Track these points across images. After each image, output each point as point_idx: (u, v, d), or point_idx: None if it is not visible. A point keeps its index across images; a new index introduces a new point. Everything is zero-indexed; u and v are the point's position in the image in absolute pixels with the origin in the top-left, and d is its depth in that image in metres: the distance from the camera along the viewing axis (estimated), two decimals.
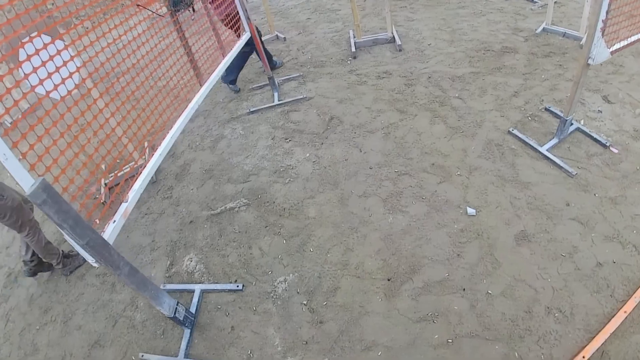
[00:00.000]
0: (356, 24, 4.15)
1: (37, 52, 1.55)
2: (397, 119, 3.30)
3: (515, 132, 2.99)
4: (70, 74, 1.71)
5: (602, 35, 2.26)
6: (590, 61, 2.36)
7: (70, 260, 2.76)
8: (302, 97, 3.70)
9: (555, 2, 4.02)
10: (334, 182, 2.90)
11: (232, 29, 3.48)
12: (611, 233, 2.25)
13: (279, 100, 3.73)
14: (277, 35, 4.88)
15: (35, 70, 1.52)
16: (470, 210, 2.52)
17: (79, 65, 1.93)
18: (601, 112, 3.16)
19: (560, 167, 2.70)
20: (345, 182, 2.89)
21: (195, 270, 2.58)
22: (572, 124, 2.92)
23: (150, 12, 2.34)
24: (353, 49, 4.16)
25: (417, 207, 2.59)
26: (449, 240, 2.37)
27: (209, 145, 3.56)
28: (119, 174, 3.13)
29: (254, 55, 4.01)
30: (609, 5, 2.14)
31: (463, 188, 2.66)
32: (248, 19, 3.39)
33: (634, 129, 2.96)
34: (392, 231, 2.49)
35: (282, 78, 4.07)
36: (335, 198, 2.78)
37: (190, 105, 2.58)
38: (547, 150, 2.83)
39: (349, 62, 4.21)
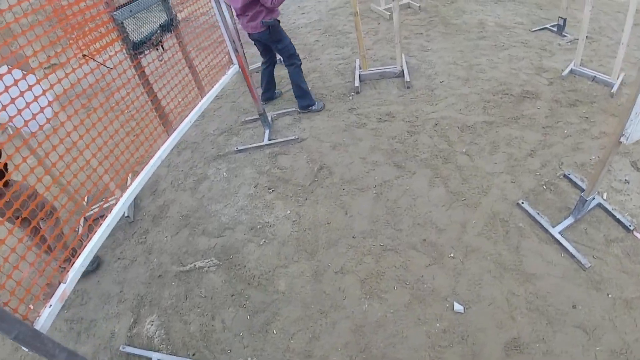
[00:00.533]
0: (362, 54, 3.79)
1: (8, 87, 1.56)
2: (393, 176, 2.96)
3: (526, 205, 2.62)
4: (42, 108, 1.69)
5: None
6: (623, 139, 1.97)
7: None
8: (293, 138, 3.40)
9: (586, 37, 3.53)
10: (312, 251, 2.62)
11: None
12: (619, 347, 1.89)
13: (269, 140, 3.45)
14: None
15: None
16: (458, 307, 2.19)
17: (50, 99, 1.88)
18: (628, 182, 2.74)
19: (573, 256, 2.32)
20: (323, 252, 2.60)
21: (155, 336, 2.39)
22: (593, 198, 2.53)
23: (97, 63, 2.07)
24: (356, 83, 3.80)
25: (397, 295, 2.28)
26: (428, 342, 2.05)
27: (191, 185, 3.33)
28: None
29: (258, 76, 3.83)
30: None
31: (454, 275, 2.32)
32: (236, 50, 3.09)
33: None
34: (365, 321, 2.19)
35: (277, 112, 3.77)
36: (309, 271, 2.50)
37: (152, 161, 2.34)
38: (559, 232, 2.44)
39: (350, 97, 3.86)
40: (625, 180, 2.79)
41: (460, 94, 3.66)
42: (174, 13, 2.71)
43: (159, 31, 2.58)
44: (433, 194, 2.80)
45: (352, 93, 3.88)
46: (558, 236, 2.41)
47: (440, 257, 2.43)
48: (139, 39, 2.40)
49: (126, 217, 3.10)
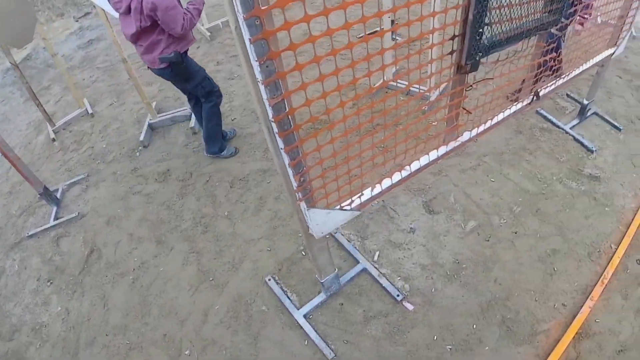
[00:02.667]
0: (145, 102, 3.53)
1: None
2: (151, 255, 2.92)
3: (272, 283, 2.56)
4: None
5: None
6: None
7: None
8: (74, 215, 3.30)
9: None
10: (74, 352, 2.65)
11: None
12: None
13: (54, 220, 3.34)
14: (86, 109, 4.23)
15: None
16: None
17: None
18: (414, 231, 2.69)
19: (323, 343, 2.22)
20: (83, 353, 2.63)
21: None
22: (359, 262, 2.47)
23: None
24: (142, 137, 3.58)
25: None
26: None
27: None
28: None
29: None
30: None
31: None
32: None
33: (455, 259, 2.55)
34: None
35: (68, 182, 3.62)
36: None
37: None
38: (306, 314, 2.37)
39: (137, 153, 3.67)
40: (411, 228, 2.72)
41: (248, 134, 3.46)
42: None
43: None
44: (184, 274, 2.76)
45: (140, 148, 3.67)
46: (302, 320, 2.33)
47: (177, 354, 2.44)
48: None
49: None
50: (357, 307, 2.38)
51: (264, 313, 2.44)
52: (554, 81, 2.64)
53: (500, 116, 2.30)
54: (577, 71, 2.85)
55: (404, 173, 2.00)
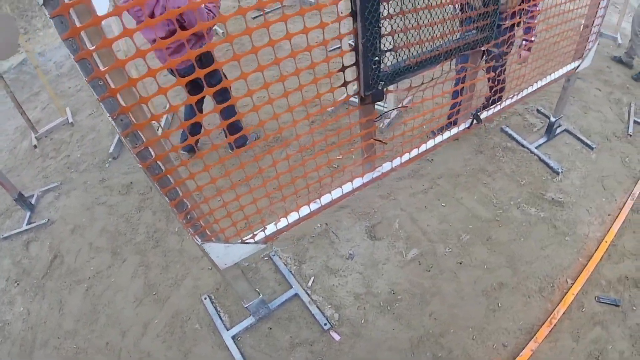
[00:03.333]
0: None
1: None
2: (106, 266, 3.07)
3: (207, 302, 2.65)
4: None
5: None
6: None
7: None
8: (44, 221, 3.49)
9: None
10: (30, 351, 2.84)
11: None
12: None
13: (27, 224, 3.54)
14: (67, 118, 4.40)
15: None
16: None
17: None
18: (352, 257, 2.68)
19: None
20: (37, 353, 2.81)
21: None
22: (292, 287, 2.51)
23: None
24: (111, 149, 3.72)
25: None
26: None
27: None
28: None
29: None
30: None
31: None
32: None
33: (390, 290, 2.51)
34: None
35: (43, 189, 3.80)
36: None
37: None
38: (234, 335, 2.45)
39: (107, 165, 3.81)
40: (350, 254, 2.71)
41: None
42: None
43: None
44: (132, 286, 2.89)
45: (110, 159, 3.81)
46: (230, 342, 2.40)
47: None
48: None
49: None
50: (284, 333, 2.42)
51: (197, 331, 2.54)
52: (499, 103, 2.54)
53: (430, 144, 2.25)
54: (532, 88, 2.72)
55: (314, 206, 2.02)
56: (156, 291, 2.82)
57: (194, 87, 3.02)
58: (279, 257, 2.74)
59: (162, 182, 1.50)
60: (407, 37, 1.62)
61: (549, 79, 2.80)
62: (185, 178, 1.58)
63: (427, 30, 1.64)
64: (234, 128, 3.20)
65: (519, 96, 2.59)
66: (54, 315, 2.93)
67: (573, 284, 2.59)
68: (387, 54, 1.59)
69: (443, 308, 2.47)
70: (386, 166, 2.14)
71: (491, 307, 2.49)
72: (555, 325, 2.38)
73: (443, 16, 1.65)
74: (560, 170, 3.33)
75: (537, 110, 3.88)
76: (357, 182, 2.09)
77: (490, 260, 2.71)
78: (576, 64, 2.95)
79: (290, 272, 2.65)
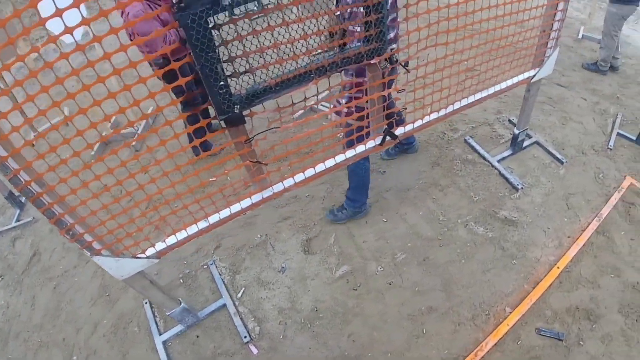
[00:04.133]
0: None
1: None
2: (73, 266, 3.38)
3: (147, 306, 2.85)
4: None
5: None
6: None
7: None
8: (30, 219, 3.82)
9: None
10: (5, 342, 3.17)
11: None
12: None
13: (16, 221, 3.89)
14: None
15: None
16: None
17: None
18: (284, 270, 2.78)
19: None
20: (12, 343, 3.13)
21: None
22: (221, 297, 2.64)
23: None
24: (92, 152, 3.97)
25: None
26: None
27: None
28: None
29: None
30: None
31: None
32: None
33: (314, 307, 2.64)
34: None
35: None
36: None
37: None
38: (164, 341, 2.62)
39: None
40: (282, 267, 2.79)
41: None
42: None
43: None
44: (91, 287, 3.15)
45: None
46: (160, 346, 2.57)
47: (68, 358, 2.85)
48: None
49: None
50: (210, 342, 2.55)
51: (135, 334, 2.74)
52: (421, 118, 2.40)
53: (330, 162, 2.21)
54: (470, 100, 2.56)
55: (202, 224, 2.09)
56: (109, 292, 3.05)
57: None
58: (216, 267, 2.86)
59: (37, 203, 1.64)
60: (263, 58, 1.55)
61: (491, 90, 2.64)
62: (56, 200, 1.67)
63: (288, 49, 1.56)
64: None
65: (446, 111, 2.40)
66: (27, 309, 3.24)
67: (511, 312, 2.44)
68: (242, 76, 1.55)
69: (363, 330, 2.45)
70: (278, 186, 2.13)
71: (415, 332, 2.42)
72: (482, 357, 2.27)
73: (304, 32, 1.57)
74: (520, 187, 3.19)
75: (509, 120, 3.71)
76: (246, 202, 2.10)
77: (423, 282, 2.64)
78: (533, 72, 2.79)
79: (223, 282, 2.78)
